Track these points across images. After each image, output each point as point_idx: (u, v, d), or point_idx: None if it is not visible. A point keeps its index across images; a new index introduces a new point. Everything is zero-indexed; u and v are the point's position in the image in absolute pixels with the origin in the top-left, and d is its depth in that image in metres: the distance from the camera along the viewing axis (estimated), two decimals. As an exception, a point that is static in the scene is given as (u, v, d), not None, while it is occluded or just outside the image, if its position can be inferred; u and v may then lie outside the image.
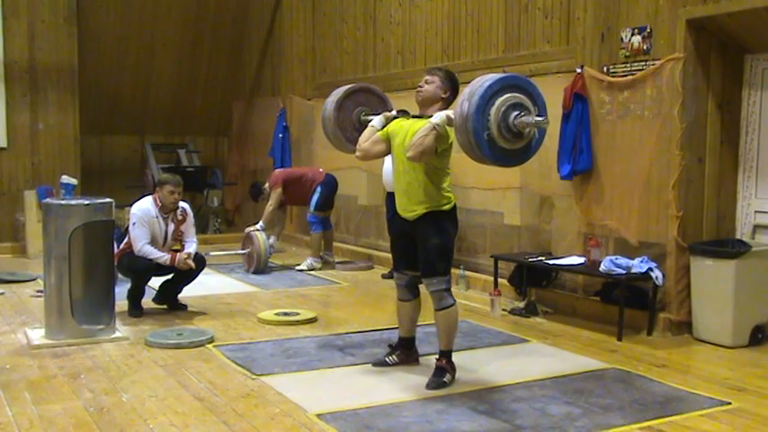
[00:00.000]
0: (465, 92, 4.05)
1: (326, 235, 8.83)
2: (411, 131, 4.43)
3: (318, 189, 8.69)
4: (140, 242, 6.02)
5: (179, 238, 6.27)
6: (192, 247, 6.25)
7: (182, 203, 6.29)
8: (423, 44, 8.33)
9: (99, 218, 5.39)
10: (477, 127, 3.95)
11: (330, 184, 8.79)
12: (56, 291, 5.32)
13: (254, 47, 11.84)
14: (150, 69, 11.70)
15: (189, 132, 12.48)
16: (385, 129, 4.67)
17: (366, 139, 4.71)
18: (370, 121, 4.86)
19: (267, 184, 8.91)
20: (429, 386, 4.41)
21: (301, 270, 8.50)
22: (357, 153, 4.76)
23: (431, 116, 4.39)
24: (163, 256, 6.05)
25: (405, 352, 4.87)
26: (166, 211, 6.18)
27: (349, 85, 5.25)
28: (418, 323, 4.91)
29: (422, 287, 4.66)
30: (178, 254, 6.12)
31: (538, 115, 4.05)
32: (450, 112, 4.26)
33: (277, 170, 9.25)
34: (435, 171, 4.45)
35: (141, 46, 11.42)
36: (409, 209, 4.52)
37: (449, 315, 4.50)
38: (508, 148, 4.07)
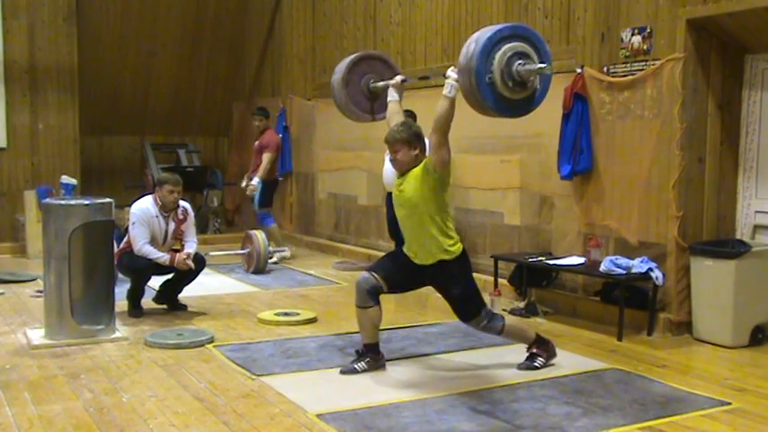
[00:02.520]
0: (472, 36, 4.10)
1: (274, 228, 9.24)
2: (408, 177, 4.51)
3: (261, 186, 9.03)
4: (140, 242, 6.02)
5: (179, 237, 6.27)
6: (191, 247, 6.25)
7: (183, 203, 6.29)
8: (423, 44, 8.33)
9: (99, 218, 5.39)
10: (479, 68, 3.96)
11: (273, 183, 9.30)
12: (56, 291, 5.32)
13: (254, 47, 11.84)
14: (150, 69, 11.70)
15: (189, 132, 12.48)
16: None
17: (392, 115, 4.86)
18: (379, 88, 5.11)
19: (267, 134, 9.19)
20: (520, 367, 4.74)
21: (275, 263, 8.78)
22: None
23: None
24: (162, 256, 6.05)
25: (373, 357, 4.75)
26: (166, 210, 6.18)
27: (348, 59, 5.31)
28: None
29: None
30: (177, 254, 6.12)
31: (540, 62, 4.08)
32: (454, 76, 4.26)
33: (275, 136, 9.33)
34: (436, 212, 4.45)
35: (141, 46, 11.42)
36: (419, 256, 4.57)
37: (508, 332, 4.73)
38: (509, 97, 4.08)
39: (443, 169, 4.41)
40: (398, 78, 5.00)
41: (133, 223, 6.06)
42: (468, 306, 4.58)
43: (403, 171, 4.56)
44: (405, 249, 4.67)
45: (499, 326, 4.64)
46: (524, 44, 4.09)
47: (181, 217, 6.27)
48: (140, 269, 6.08)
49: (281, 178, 10.37)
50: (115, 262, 6.03)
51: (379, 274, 4.65)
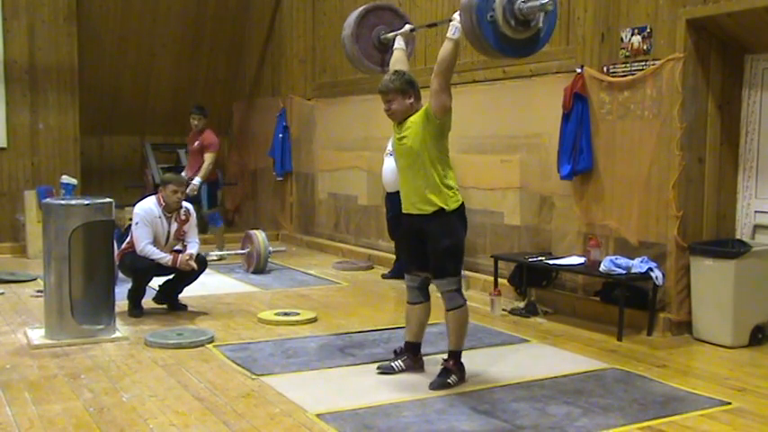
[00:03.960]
0: None
1: (220, 230, 9.43)
2: (408, 127, 4.46)
3: (206, 187, 9.07)
4: (143, 242, 6.02)
5: (181, 237, 6.28)
6: (194, 247, 6.26)
7: (185, 204, 6.31)
8: (423, 44, 8.32)
9: (99, 218, 5.39)
10: (481, 5, 3.90)
11: (216, 183, 9.50)
12: (56, 291, 5.32)
13: (254, 47, 11.83)
14: (150, 69, 11.70)
15: (189, 132, 12.44)
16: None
17: (395, 63, 4.85)
18: (390, 39, 5.06)
19: (208, 136, 9.29)
20: (432, 386, 4.40)
21: (212, 260, 8.72)
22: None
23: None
24: (165, 257, 6.06)
25: (411, 358, 4.75)
26: (170, 210, 6.19)
27: (356, 12, 5.28)
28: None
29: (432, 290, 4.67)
30: (180, 255, 6.12)
31: None
32: (458, 18, 4.20)
33: (215, 136, 9.40)
34: (437, 160, 4.41)
35: (141, 46, 11.42)
36: (416, 206, 4.50)
37: (458, 315, 4.50)
38: (511, 37, 4.02)
39: (444, 115, 4.36)
40: (407, 27, 5.03)
41: (136, 223, 6.06)
42: (449, 263, 4.48)
43: (399, 121, 4.52)
44: (404, 207, 4.60)
45: (459, 303, 4.48)
46: None
47: (183, 217, 6.28)
48: (142, 269, 6.08)
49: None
50: (117, 262, 6.03)
51: (415, 267, 4.63)
